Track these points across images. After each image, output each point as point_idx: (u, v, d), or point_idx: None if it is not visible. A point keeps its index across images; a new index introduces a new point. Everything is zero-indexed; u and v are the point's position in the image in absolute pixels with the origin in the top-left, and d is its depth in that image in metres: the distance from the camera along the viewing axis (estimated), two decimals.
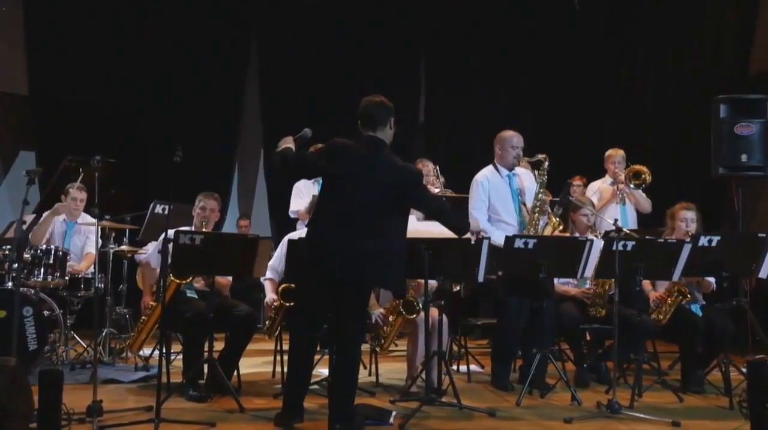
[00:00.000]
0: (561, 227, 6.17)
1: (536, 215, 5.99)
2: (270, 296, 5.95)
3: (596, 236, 5.98)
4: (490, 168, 6.17)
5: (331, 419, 4.51)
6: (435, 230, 5.21)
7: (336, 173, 4.64)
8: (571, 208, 6.32)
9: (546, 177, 6.05)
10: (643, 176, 7.57)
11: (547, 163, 6.06)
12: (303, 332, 4.72)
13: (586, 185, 8.23)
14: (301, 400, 4.73)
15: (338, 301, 4.63)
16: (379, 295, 6.00)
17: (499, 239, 5.62)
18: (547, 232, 6.03)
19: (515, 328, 5.91)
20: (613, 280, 5.66)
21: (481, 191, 6.06)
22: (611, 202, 7.65)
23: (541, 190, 6.02)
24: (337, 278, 4.57)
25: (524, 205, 6.04)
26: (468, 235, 5.21)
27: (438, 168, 7.82)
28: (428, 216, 4.80)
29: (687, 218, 6.09)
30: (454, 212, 4.90)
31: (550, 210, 6.04)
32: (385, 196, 4.57)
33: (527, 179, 6.17)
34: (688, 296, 5.92)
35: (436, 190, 7.74)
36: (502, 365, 6.06)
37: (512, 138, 6.09)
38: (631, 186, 7.59)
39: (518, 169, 6.16)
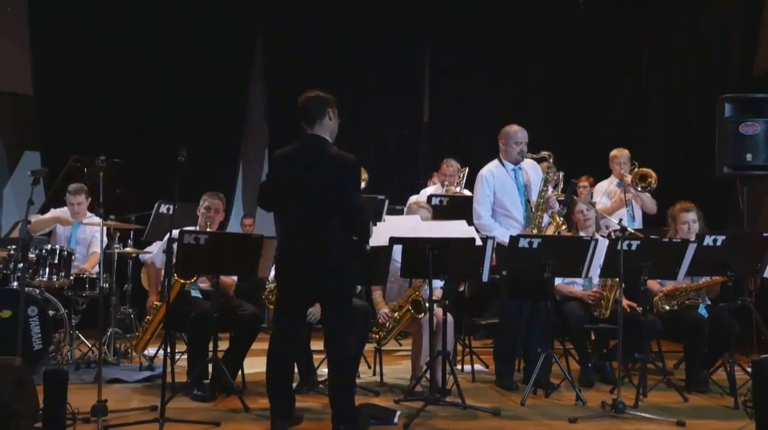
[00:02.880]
0: (564, 227, 6.17)
1: (539, 212, 5.98)
2: None
3: (601, 236, 5.98)
4: (495, 162, 6.16)
5: (335, 420, 4.50)
6: (440, 230, 5.21)
7: (282, 186, 4.58)
8: (568, 208, 6.33)
9: (550, 174, 6.05)
10: (650, 180, 7.60)
11: (551, 160, 6.06)
12: (278, 335, 4.67)
13: (593, 186, 8.24)
14: (287, 402, 4.66)
15: (322, 306, 4.62)
16: (385, 292, 6.01)
17: (503, 237, 5.62)
18: (550, 231, 6.02)
19: (516, 327, 5.91)
20: (618, 287, 5.69)
21: (485, 186, 6.05)
22: (621, 207, 7.66)
23: (545, 188, 6.02)
24: (306, 291, 4.57)
25: (529, 201, 6.04)
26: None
27: (466, 170, 7.79)
28: (343, 211, 4.50)
29: (688, 220, 6.09)
30: (367, 225, 4.65)
31: (555, 209, 6.03)
32: (329, 194, 4.47)
33: (533, 172, 6.16)
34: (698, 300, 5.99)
35: (456, 190, 7.75)
36: (506, 364, 6.06)
37: (517, 133, 6.08)
38: (638, 189, 7.61)
39: (524, 162, 6.14)
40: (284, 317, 4.67)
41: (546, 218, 6.04)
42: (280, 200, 4.64)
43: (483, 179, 6.09)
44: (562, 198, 6.30)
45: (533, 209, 6.01)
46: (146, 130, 9.78)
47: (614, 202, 7.77)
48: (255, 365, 6.57)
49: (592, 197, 7.92)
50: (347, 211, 4.48)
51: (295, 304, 4.64)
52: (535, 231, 5.90)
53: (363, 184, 7.51)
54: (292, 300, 4.62)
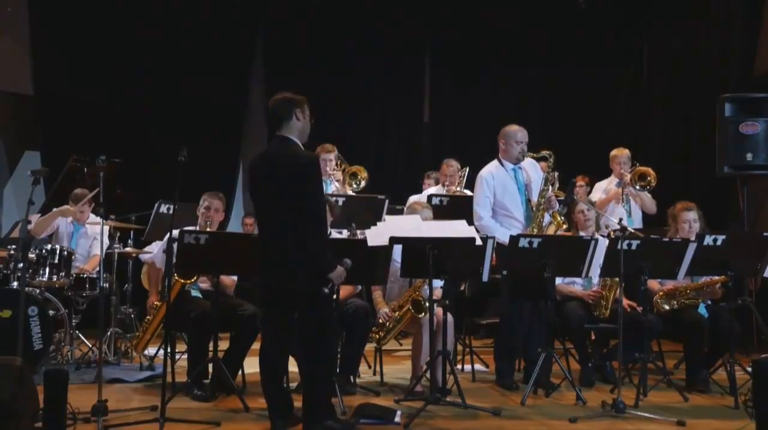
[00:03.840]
0: (565, 227, 6.17)
1: (540, 212, 5.98)
2: None
3: (601, 236, 5.98)
4: (494, 163, 6.16)
5: (303, 422, 4.51)
6: (440, 229, 5.21)
7: (252, 188, 4.77)
8: (569, 208, 6.33)
9: (551, 174, 6.05)
10: (649, 179, 7.63)
11: (552, 159, 6.05)
12: (266, 336, 4.74)
13: (590, 185, 8.24)
14: (283, 402, 4.68)
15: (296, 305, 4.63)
16: (385, 292, 6.00)
17: (504, 238, 5.62)
18: (551, 231, 6.02)
19: (516, 327, 5.91)
20: (618, 287, 5.68)
21: (485, 188, 6.05)
22: (613, 200, 7.68)
23: (546, 188, 6.02)
24: (275, 288, 4.59)
25: (530, 201, 6.04)
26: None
27: (467, 170, 7.79)
28: (301, 217, 4.44)
29: (689, 220, 6.09)
30: (322, 245, 4.52)
31: (555, 208, 6.03)
32: (287, 192, 4.47)
33: (533, 171, 6.16)
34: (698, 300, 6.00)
35: (457, 190, 7.73)
36: (506, 364, 6.06)
37: (517, 133, 6.07)
38: (637, 188, 7.62)
39: (523, 162, 6.13)
40: (269, 317, 4.72)
41: (547, 217, 6.04)
42: (253, 202, 4.79)
43: (483, 181, 6.08)
44: (561, 197, 6.30)
45: (534, 209, 6.01)
46: (146, 130, 9.77)
47: (609, 196, 7.77)
48: (255, 365, 6.54)
49: (589, 196, 7.92)
50: (300, 216, 4.45)
51: (276, 304, 4.64)
52: (536, 230, 5.90)
53: (363, 184, 7.51)
54: (272, 300, 4.65)
